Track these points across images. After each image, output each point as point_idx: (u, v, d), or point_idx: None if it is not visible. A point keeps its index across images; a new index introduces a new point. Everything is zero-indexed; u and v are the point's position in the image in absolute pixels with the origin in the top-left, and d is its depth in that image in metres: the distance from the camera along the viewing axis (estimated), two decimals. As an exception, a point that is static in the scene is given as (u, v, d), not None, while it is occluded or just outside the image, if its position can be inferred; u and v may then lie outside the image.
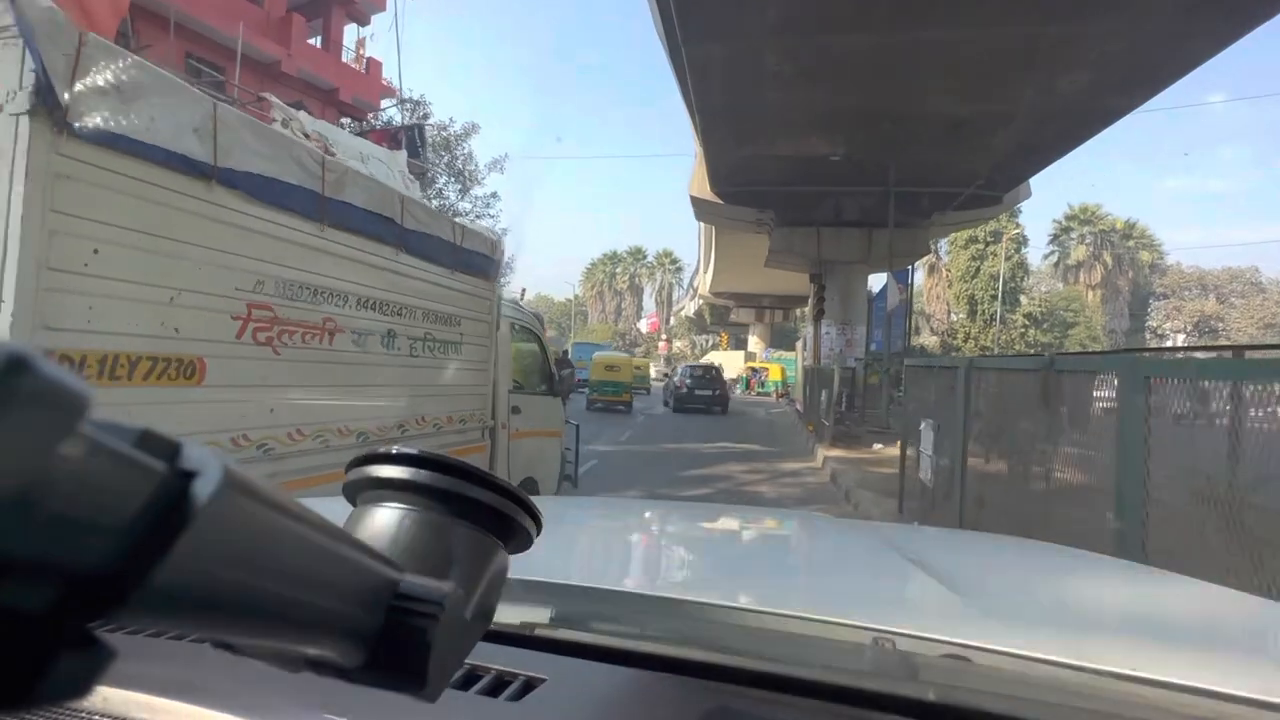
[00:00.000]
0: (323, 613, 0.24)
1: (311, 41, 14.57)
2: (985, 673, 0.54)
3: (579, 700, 0.54)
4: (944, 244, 32.88)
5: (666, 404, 18.09)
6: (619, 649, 0.60)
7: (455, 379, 3.23)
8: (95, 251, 1.50)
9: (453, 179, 17.90)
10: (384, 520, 0.30)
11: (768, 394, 27.19)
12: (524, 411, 3.92)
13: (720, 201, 15.51)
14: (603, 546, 1.12)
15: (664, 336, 48.70)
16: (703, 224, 25.06)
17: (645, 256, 60.45)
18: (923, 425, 4.71)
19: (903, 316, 15.48)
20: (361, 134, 12.36)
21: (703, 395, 16.75)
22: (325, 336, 2.29)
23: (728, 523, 1.39)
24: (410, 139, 13.72)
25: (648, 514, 1.44)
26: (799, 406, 15.87)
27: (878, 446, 9.52)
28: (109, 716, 0.46)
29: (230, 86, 10.65)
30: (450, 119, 18.76)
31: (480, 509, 0.31)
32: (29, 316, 1.37)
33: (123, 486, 0.18)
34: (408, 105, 16.47)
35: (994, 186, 13.67)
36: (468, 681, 0.55)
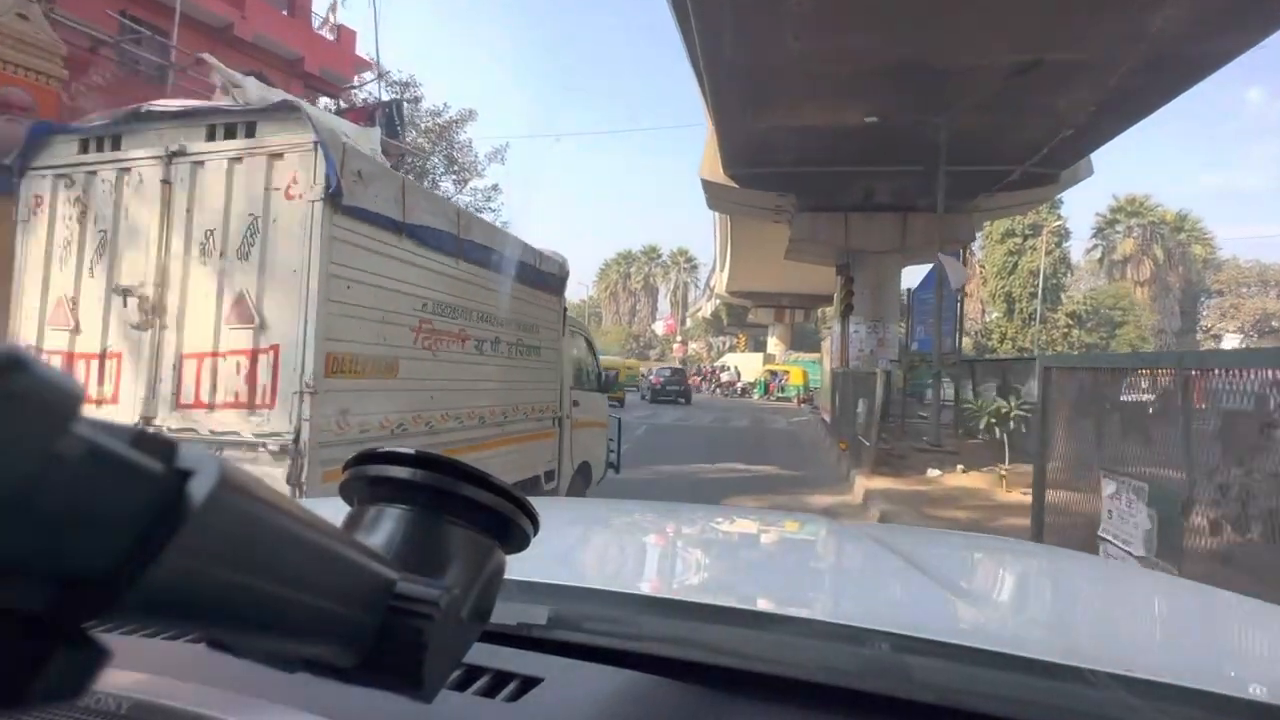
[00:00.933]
0: (319, 613, 0.25)
1: (283, 14, 13.25)
2: (984, 674, 0.56)
3: (576, 701, 0.55)
4: (977, 238, 31.71)
5: (643, 397, 22.10)
6: (616, 650, 0.61)
7: (537, 376, 4.07)
8: (348, 287, 2.31)
9: (450, 170, 17.08)
10: (381, 520, 0.31)
11: (788, 399, 25.73)
12: (581, 404, 4.71)
13: (734, 185, 13.76)
14: (600, 547, 1.16)
15: (679, 339, 47.76)
16: (718, 216, 23.61)
17: (660, 255, 59.77)
18: (1111, 488, 2.66)
19: (954, 308, 12.76)
20: (339, 112, 11.28)
21: (671, 390, 21.91)
22: (460, 343, 3.10)
23: (725, 524, 1.43)
24: (389, 117, 12.56)
25: (645, 516, 1.49)
26: (826, 416, 13.95)
27: (934, 473, 7.40)
28: (102, 717, 0.46)
29: (173, 50, 9.60)
30: (445, 104, 17.93)
31: (477, 509, 0.32)
32: (322, 332, 2.19)
33: (118, 486, 0.18)
34: (392, 83, 14.98)
35: (1052, 162, 11.54)
36: (465, 682, 0.56)
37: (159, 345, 2.41)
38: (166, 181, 2.45)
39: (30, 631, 0.18)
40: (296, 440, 2.15)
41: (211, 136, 2.41)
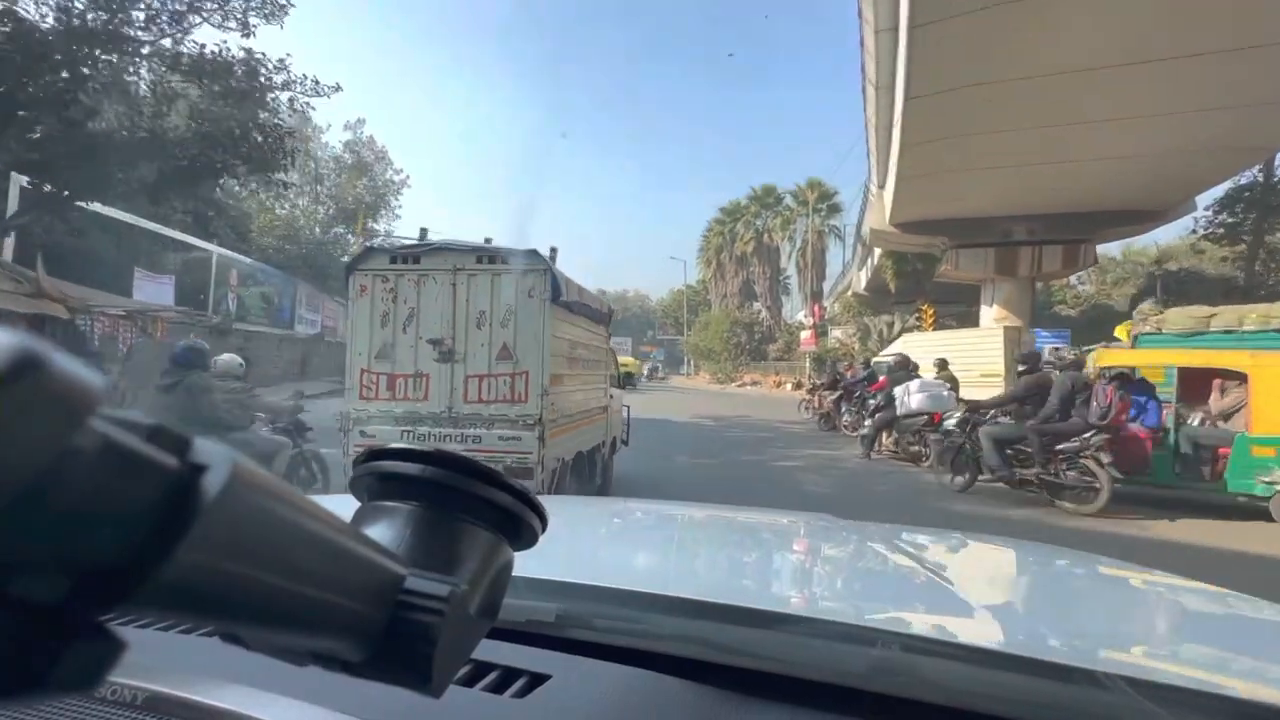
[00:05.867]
0: (329, 608, 0.29)
1: None
2: (994, 676, 0.63)
3: (584, 697, 0.62)
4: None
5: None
6: (624, 647, 0.70)
7: (599, 379, 7.63)
8: (555, 340, 5.30)
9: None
10: (391, 517, 0.36)
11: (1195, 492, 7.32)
12: (613, 397, 8.46)
13: None
14: (609, 545, 1.35)
15: (810, 323, 34.57)
16: (870, 60, 13.00)
17: (780, 198, 44.85)
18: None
19: None
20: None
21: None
22: (579, 364, 6.08)
23: (734, 522, 1.62)
24: None
25: (654, 513, 1.70)
26: None
27: None
28: (118, 708, 0.52)
29: None
30: None
31: (486, 506, 0.37)
32: (548, 367, 5.16)
33: (133, 480, 0.21)
34: None
35: None
36: (473, 678, 0.64)
37: (454, 371, 5.33)
38: (453, 285, 5.37)
39: (47, 623, 0.21)
40: (540, 418, 5.06)
41: (479, 261, 5.33)
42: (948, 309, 25.57)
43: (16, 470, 0.18)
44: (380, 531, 0.35)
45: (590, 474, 7.15)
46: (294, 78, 13.96)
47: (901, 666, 0.66)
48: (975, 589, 1.10)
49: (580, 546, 1.25)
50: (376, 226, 34.57)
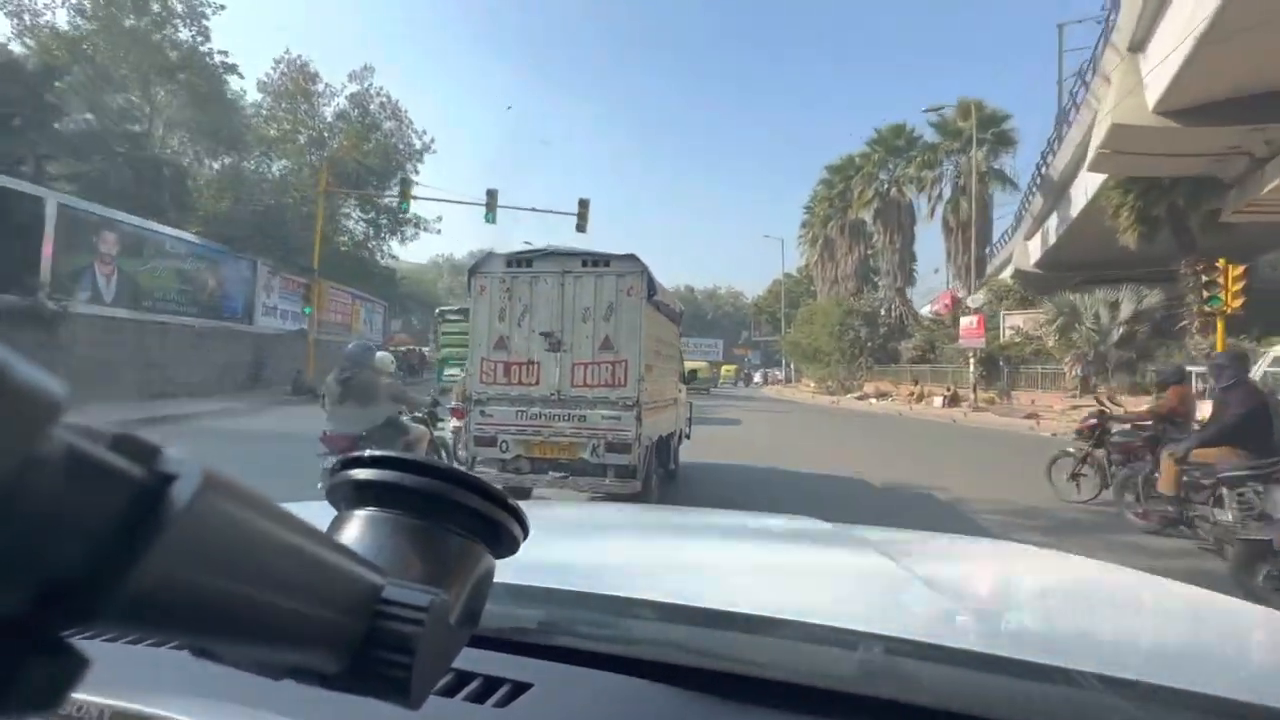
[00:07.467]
0: (304, 619, 0.29)
1: None
2: (975, 676, 0.66)
3: (567, 706, 0.64)
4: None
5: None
6: (607, 654, 0.71)
7: (673, 373, 8.97)
8: (649, 335, 6.15)
9: None
10: (368, 525, 0.36)
11: None
12: (681, 392, 9.76)
13: None
14: (592, 551, 1.38)
15: (970, 304, 25.17)
16: None
17: (915, 139, 34.07)
18: None
19: None
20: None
21: None
22: (662, 357, 6.97)
23: (718, 527, 1.66)
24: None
25: (637, 518, 1.75)
26: None
27: None
28: None
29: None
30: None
31: (466, 513, 0.37)
32: (644, 357, 6.07)
33: (98, 490, 0.21)
34: None
35: None
36: (454, 687, 0.64)
37: (562, 359, 6.28)
38: (561, 285, 6.33)
39: (7, 639, 0.20)
40: (637, 400, 5.95)
41: (584, 265, 6.27)
42: (1229, 243, 15.32)
43: None
44: (358, 540, 0.36)
45: (666, 458, 8.26)
46: None
47: (884, 669, 0.69)
48: (958, 590, 1.17)
49: (563, 552, 1.28)
50: (381, 198, 29.99)
